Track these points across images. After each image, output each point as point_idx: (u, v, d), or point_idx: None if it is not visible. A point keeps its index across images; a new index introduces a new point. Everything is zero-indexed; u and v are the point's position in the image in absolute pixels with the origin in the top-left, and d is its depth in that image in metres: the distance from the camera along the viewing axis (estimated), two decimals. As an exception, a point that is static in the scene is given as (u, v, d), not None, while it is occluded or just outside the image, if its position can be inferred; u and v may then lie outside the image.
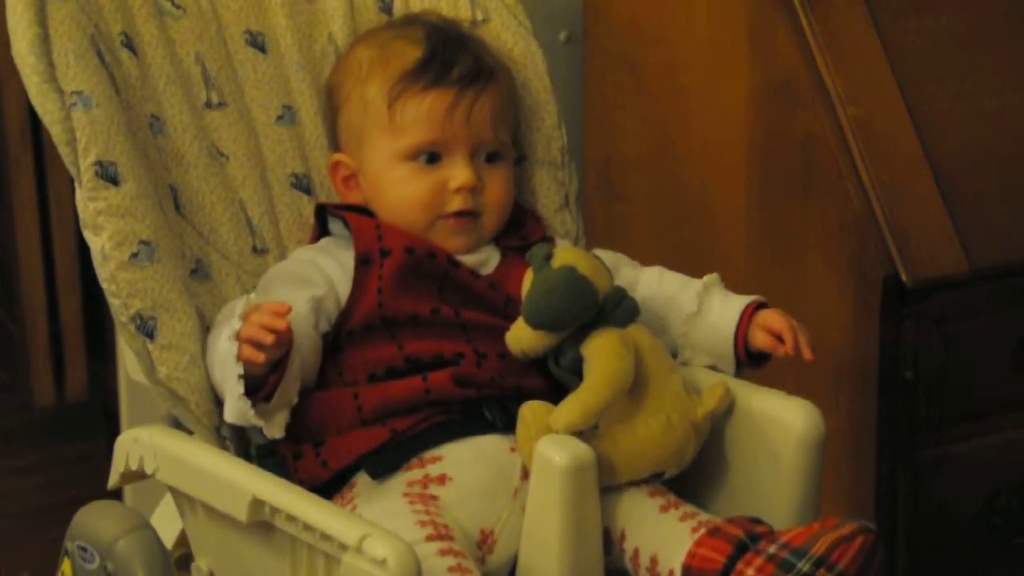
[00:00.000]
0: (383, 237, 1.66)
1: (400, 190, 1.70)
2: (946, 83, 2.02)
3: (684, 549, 1.52)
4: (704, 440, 1.63)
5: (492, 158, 1.72)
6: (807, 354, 1.65)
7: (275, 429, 1.58)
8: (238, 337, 1.52)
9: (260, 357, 1.51)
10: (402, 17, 1.83)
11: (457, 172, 1.69)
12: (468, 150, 1.70)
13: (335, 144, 1.77)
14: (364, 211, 1.71)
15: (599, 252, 1.71)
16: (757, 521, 1.54)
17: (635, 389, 1.59)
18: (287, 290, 1.64)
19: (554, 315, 1.59)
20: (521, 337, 1.62)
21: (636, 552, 1.56)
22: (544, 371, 1.64)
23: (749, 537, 1.50)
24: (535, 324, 1.60)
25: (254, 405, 1.54)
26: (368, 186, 1.72)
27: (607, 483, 1.56)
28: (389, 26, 1.80)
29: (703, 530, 1.52)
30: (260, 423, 1.55)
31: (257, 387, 1.55)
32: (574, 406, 1.54)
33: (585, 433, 1.55)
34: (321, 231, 1.74)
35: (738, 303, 1.69)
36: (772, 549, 1.48)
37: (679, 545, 1.52)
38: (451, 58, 1.71)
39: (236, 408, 1.54)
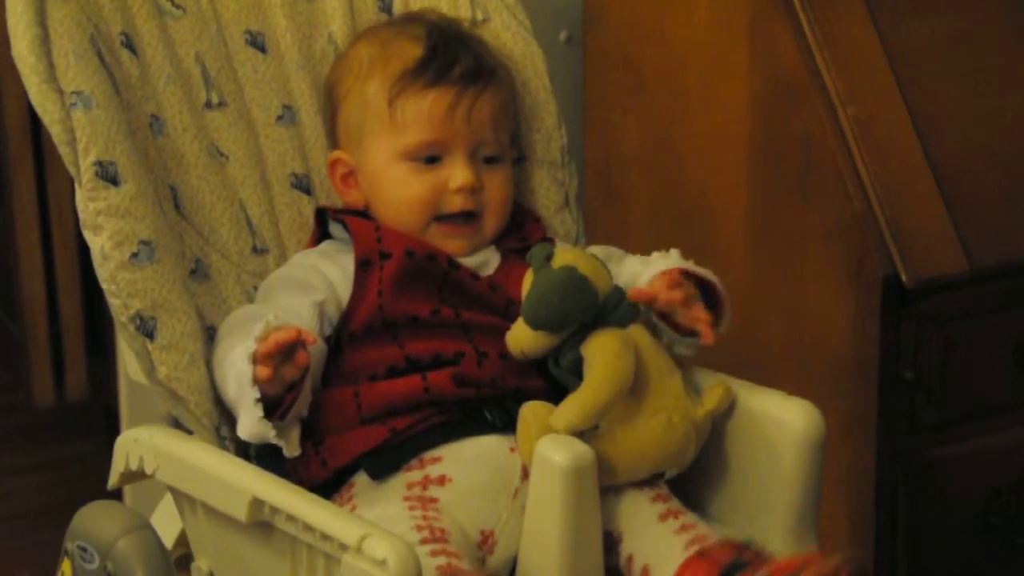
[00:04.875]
0: (382, 240, 1.66)
1: (399, 189, 1.69)
2: (946, 83, 2.02)
3: (675, 564, 1.52)
4: (704, 440, 1.63)
5: (491, 160, 1.72)
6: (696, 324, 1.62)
7: (292, 447, 1.57)
8: (255, 359, 1.51)
9: (268, 375, 1.49)
10: (402, 15, 1.83)
11: (457, 172, 1.69)
12: (468, 150, 1.70)
13: (334, 141, 1.77)
14: (363, 215, 1.72)
15: (593, 248, 1.71)
16: (747, 546, 1.53)
17: (635, 389, 1.58)
18: (289, 296, 1.64)
19: (553, 315, 1.58)
20: (521, 338, 1.62)
21: (630, 559, 1.56)
22: (545, 372, 1.64)
23: (736, 564, 1.50)
24: (535, 325, 1.60)
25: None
26: (366, 184, 1.72)
27: (607, 483, 1.56)
28: (389, 24, 1.80)
29: (696, 547, 1.52)
30: (280, 443, 1.55)
31: (272, 406, 1.54)
32: (575, 406, 1.54)
33: (585, 433, 1.55)
34: (321, 234, 1.74)
35: (674, 262, 1.66)
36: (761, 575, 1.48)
37: (671, 560, 1.52)
38: (452, 56, 1.71)
39: (254, 430, 1.53)
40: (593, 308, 1.59)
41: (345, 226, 1.69)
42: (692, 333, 1.65)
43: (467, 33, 1.77)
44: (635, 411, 1.58)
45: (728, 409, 1.66)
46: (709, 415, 1.62)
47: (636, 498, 1.59)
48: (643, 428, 1.58)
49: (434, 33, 1.73)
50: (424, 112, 1.69)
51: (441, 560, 1.47)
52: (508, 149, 1.75)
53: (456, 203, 1.69)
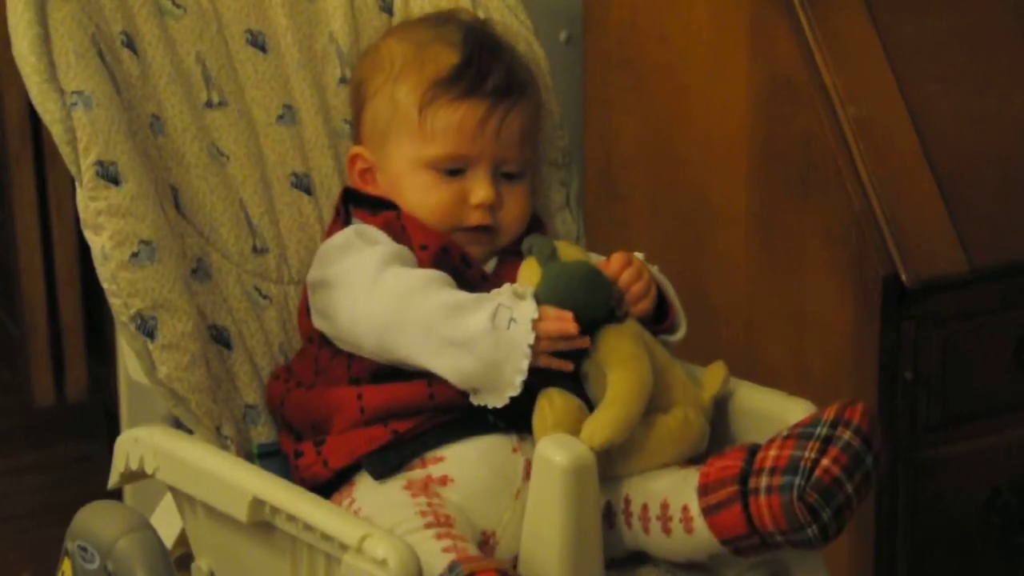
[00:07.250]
0: (405, 236, 1.66)
1: (421, 196, 1.69)
2: (946, 83, 2.02)
3: (693, 484, 1.52)
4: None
5: (511, 176, 1.71)
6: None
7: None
8: (535, 328, 1.53)
9: (569, 365, 1.54)
10: (435, 13, 1.81)
11: (478, 188, 1.68)
12: (491, 166, 1.69)
13: (356, 136, 1.76)
14: (388, 205, 1.70)
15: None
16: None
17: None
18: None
19: (579, 308, 1.56)
20: None
21: (644, 508, 1.55)
22: (546, 370, 1.63)
23: (756, 446, 1.52)
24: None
25: None
26: (386, 183, 1.72)
27: (620, 473, 1.56)
28: (423, 21, 1.79)
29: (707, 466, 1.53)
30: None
31: None
32: (607, 421, 1.52)
33: None
34: (345, 215, 1.73)
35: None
36: (785, 433, 1.49)
37: (688, 483, 1.52)
38: (486, 67, 1.69)
39: (510, 386, 1.55)
40: (610, 300, 1.58)
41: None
42: (668, 331, 1.66)
43: (501, 41, 1.76)
44: (650, 407, 1.57)
45: (728, 409, 1.66)
46: (714, 399, 1.62)
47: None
48: (662, 425, 1.57)
49: (470, 39, 1.72)
50: (455, 125, 1.68)
51: (447, 543, 1.46)
52: (531, 164, 1.75)
53: (475, 217, 1.69)
